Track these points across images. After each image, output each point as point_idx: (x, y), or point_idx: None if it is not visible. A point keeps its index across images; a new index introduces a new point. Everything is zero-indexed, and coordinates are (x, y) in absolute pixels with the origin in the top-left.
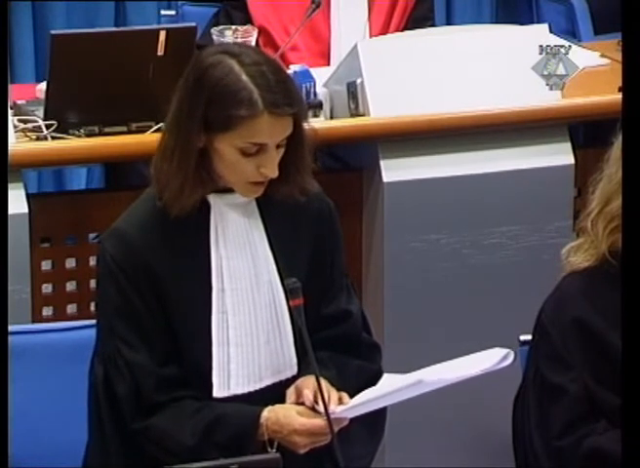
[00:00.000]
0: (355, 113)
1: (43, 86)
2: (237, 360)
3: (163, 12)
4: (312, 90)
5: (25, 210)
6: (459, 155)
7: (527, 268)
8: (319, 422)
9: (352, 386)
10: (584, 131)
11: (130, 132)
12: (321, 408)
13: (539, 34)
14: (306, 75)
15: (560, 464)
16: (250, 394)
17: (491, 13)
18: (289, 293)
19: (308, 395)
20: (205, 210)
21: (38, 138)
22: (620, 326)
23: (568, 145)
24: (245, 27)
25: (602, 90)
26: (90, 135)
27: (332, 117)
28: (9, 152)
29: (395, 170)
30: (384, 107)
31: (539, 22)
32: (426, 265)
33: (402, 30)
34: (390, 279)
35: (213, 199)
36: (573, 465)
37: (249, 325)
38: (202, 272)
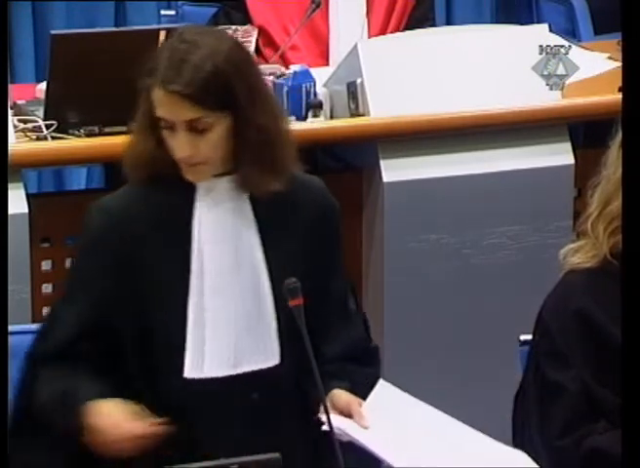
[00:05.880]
0: (355, 113)
1: (43, 86)
2: (212, 342)
3: (163, 12)
4: (312, 90)
5: (25, 210)
6: (459, 155)
7: (527, 268)
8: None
9: (364, 396)
10: (584, 131)
11: (130, 132)
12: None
13: (539, 34)
14: (306, 75)
15: (560, 464)
16: (226, 379)
17: (491, 13)
18: (289, 294)
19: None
20: (191, 193)
21: (38, 138)
22: (622, 324)
23: (568, 145)
24: (245, 27)
25: (602, 90)
26: (90, 135)
27: (332, 117)
28: (9, 152)
29: (395, 170)
30: (384, 107)
31: (539, 22)
32: (426, 265)
33: (402, 30)
34: (390, 279)
35: (200, 183)
36: (573, 465)
37: (227, 308)
38: (182, 254)
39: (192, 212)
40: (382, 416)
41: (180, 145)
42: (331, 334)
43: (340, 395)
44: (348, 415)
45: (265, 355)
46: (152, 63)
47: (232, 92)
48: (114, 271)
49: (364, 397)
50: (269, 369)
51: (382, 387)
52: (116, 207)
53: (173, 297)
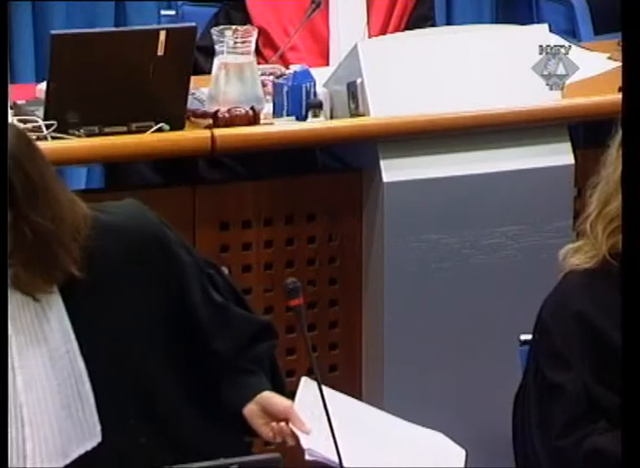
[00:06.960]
0: (355, 113)
1: (43, 86)
2: (33, 439)
3: (163, 12)
4: (312, 90)
5: None
6: (459, 155)
7: (527, 268)
8: None
9: (277, 373)
10: (584, 131)
11: (130, 132)
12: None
13: (539, 34)
14: (306, 75)
15: (560, 464)
16: None
17: (491, 13)
18: (288, 294)
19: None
20: None
21: (38, 138)
22: (621, 324)
23: (568, 145)
24: (245, 28)
25: (602, 90)
26: (90, 135)
27: (332, 117)
28: None
29: (395, 170)
30: (384, 107)
31: (539, 22)
32: (426, 265)
33: (402, 30)
34: (390, 279)
35: None
36: (573, 465)
37: (44, 402)
38: None
39: None
40: (315, 417)
41: None
42: (221, 337)
43: (275, 401)
44: (285, 421)
45: (90, 436)
46: None
47: (9, 186)
48: None
49: (277, 375)
50: (93, 448)
51: (306, 384)
52: None
53: None
